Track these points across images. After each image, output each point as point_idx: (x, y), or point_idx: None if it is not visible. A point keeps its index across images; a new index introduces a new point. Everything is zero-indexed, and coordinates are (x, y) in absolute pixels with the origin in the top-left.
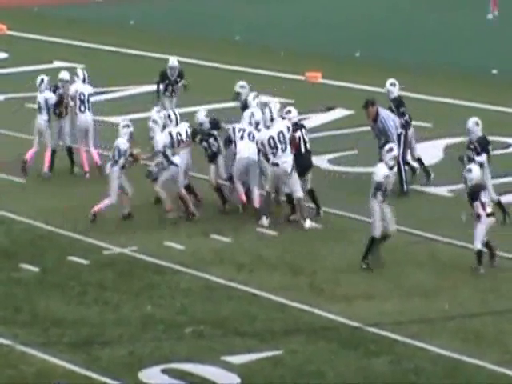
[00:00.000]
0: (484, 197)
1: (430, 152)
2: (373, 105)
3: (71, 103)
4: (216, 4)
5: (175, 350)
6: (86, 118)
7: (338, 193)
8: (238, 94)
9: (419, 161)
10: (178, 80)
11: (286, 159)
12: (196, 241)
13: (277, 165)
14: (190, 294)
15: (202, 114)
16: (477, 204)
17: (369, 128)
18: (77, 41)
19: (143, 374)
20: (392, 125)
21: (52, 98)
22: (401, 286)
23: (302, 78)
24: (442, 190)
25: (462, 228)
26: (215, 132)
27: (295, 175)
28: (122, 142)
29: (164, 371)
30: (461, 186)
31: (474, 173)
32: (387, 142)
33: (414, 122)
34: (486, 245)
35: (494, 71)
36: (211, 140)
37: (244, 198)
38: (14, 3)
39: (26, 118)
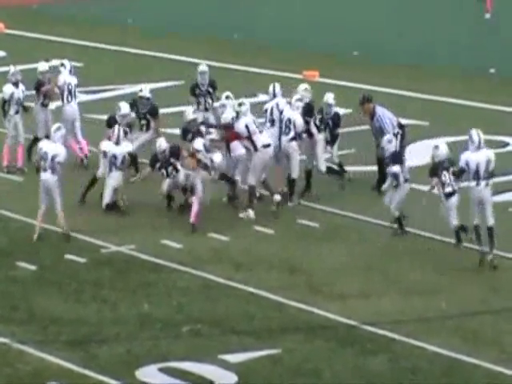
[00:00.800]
0: (444, 176)
1: (427, 151)
2: (369, 101)
3: (56, 90)
4: (214, 2)
5: (172, 348)
6: (73, 108)
7: (335, 191)
8: (148, 98)
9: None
10: (210, 90)
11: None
12: (193, 239)
13: (268, 145)
14: (188, 293)
15: (163, 142)
16: (436, 181)
17: (366, 127)
18: (75, 39)
19: (140, 373)
20: (388, 123)
21: (5, 93)
22: (398, 285)
23: (300, 76)
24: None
25: None
26: (174, 161)
27: None
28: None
29: (161, 370)
30: (459, 185)
31: (441, 150)
32: None
33: (411, 121)
34: (457, 232)
35: (492, 70)
36: (169, 169)
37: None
38: (12, 1)
39: (24, 117)
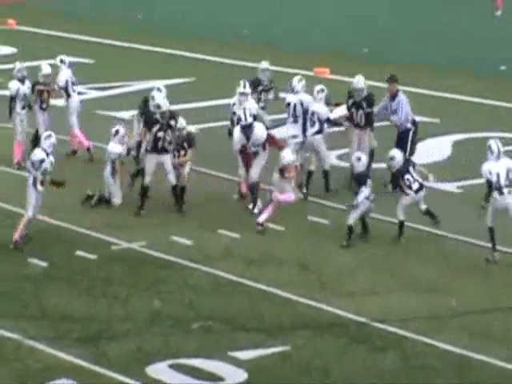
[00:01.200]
0: (409, 176)
1: (438, 148)
2: (395, 81)
3: (56, 88)
4: (225, 0)
5: (183, 345)
6: (77, 99)
7: (346, 189)
8: (158, 107)
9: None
10: (272, 86)
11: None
12: (204, 236)
13: (295, 137)
14: (198, 290)
15: (167, 102)
16: (402, 186)
17: (377, 124)
18: (84, 35)
19: (151, 369)
20: (405, 113)
21: (11, 89)
22: (408, 282)
23: (311, 73)
24: (451, 186)
25: (470, 224)
26: (173, 123)
27: None
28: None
29: (171, 366)
30: (469, 182)
31: (397, 160)
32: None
33: (422, 118)
34: (427, 212)
35: (503, 67)
36: (169, 131)
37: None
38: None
39: (28, 114)
